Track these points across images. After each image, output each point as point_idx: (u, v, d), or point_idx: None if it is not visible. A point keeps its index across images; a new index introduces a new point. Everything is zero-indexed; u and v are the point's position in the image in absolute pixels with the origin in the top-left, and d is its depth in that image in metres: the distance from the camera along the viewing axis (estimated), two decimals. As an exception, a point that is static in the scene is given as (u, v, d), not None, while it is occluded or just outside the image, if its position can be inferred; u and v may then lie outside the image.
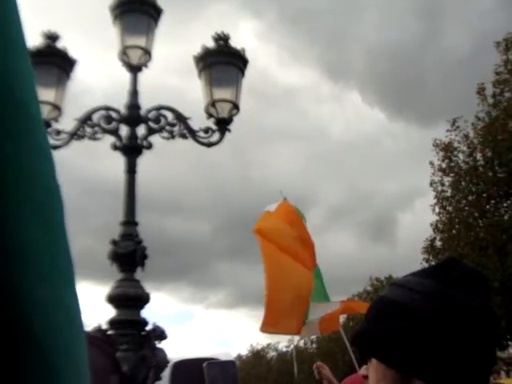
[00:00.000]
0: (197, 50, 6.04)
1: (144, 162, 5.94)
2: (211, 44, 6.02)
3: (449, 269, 1.25)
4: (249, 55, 6.16)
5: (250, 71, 6.22)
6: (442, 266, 1.29)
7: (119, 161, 5.85)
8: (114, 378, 1.38)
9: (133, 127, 5.90)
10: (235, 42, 6.07)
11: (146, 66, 6.23)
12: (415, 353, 1.18)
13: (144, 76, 6.26)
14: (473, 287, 1.22)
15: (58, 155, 6.09)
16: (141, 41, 6.17)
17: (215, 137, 6.00)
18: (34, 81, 0.64)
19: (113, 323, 5.28)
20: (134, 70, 6.15)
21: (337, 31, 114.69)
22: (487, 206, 21.92)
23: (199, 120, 6.11)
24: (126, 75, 6.15)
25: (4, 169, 0.58)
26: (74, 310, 0.64)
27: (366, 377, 1.32)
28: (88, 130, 5.95)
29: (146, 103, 6.08)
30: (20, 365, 0.57)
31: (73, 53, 6.19)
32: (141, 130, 5.92)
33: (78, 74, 6.37)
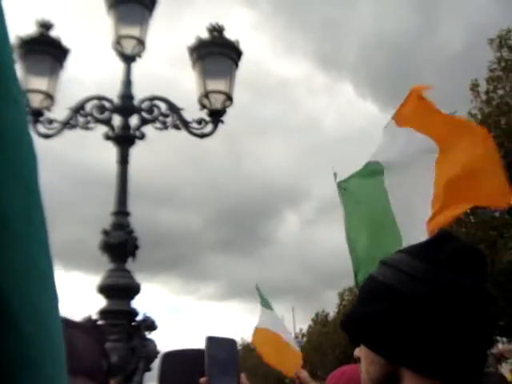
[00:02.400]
0: (190, 39, 6.02)
1: (136, 152, 5.92)
2: (205, 34, 5.99)
3: (439, 246, 1.19)
4: (242, 45, 6.13)
5: (243, 62, 6.19)
6: (432, 243, 1.22)
7: (111, 151, 5.83)
8: (104, 363, 1.37)
9: (126, 117, 5.87)
10: (229, 32, 6.05)
11: (139, 56, 6.20)
12: (401, 339, 1.13)
13: (137, 65, 6.23)
14: (464, 266, 1.15)
15: (49, 144, 6.05)
16: (135, 31, 6.14)
17: (208, 128, 5.98)
18: (6, 27, 0.57)
19: (103, 313, 5.27)
20: (128, 59, 6.12)
21: (331, 23, 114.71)
22: (478, 203, 21.96)
23: (192, 111, 6.10)
24: (120, 65, 6.13)
25: None
26: (47, 276, 0.60)
27: (359, 359, 1.30)
28: (80, 119, 5.92)
29: (138, 92, 6.06)
30: None
31: (66, 41, 6.15)
32: (134, 121, 5.90)
33: (71, 62, 6.34)
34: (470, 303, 1.12)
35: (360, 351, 1.28)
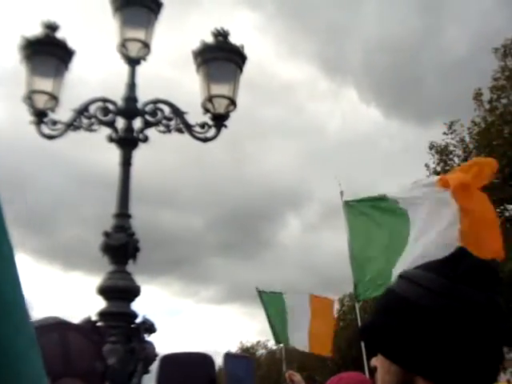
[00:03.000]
0: (194, 41, 6.04)
1: (139, 154, 5.94)
2: (210, 38, 6.01)
3: (456, 263, 1.23)
4: (246, 48, 6.13)
5: (247, 64, 6.20)
6: (449, 259, 1.26)
7: (114, 153, 5.85)
8: (99, 365, 1.38)
9: (129, 120, 5.90)
10: (232, 34, 6.06)
11: (144, 59, 6.22)
12: (417, 349, 1.17)
13: (142, 68, 6.25)
14: (479, 282, 1.19)
15: (53, 145, 6.08)
16: (140, 34, 6.16)
17: (211, 132, 6.00)
18: None
19: (102, 315, 5.28)
20: (133, 62, 6.14)
21: (335, 26, 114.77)
22: (481, 211, 21.87)
23: (196, 114, 6.11)
24: (124, 67, 6.15)
25: None
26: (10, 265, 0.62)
27: (375, 368, 1.33)
28: (84, 121, 5.94)
29: (142, 95, 6.08)
30: None
31: (71, 43, 6.18)
32: (137, 123, 5.92)
33: (76, 64, 6.36)
34: (483, 317, 1.16)
35: (377, 360, 1.31)
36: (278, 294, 12.02)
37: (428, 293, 1.20)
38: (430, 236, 5.90)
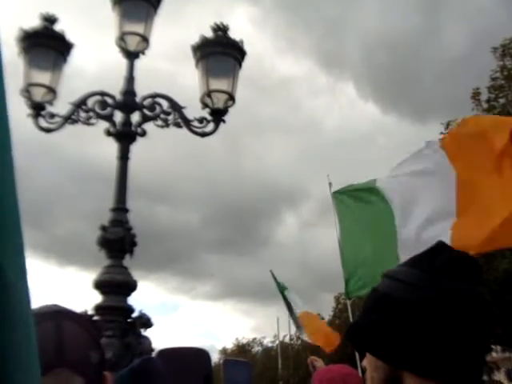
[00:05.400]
0: (192, 35, 6.03)
1: (137, 148, 5.93)
2: (207, 32, 6.00)
3: (434, 256, 1.24)
4: (244, 42, 6.12)
5: (245, 59, 6.19)
6: (428, 253, 1.28)
7: (112, 147, 5.83)
8: (95, 355, 1.37)
9: (127, 114, 5.88)
10: (231, 29, 6.05)
11: (143, 53, 6.20)
12: (401, 344, 1.17)
13: (140, 61, 6.23)
14: (458, 273, 1.20)
15: (50, 139, 6.06)
16: (139, 27, 6.14)
17: (210, 127, 5.99)
18: None
19: (99, 309, 5.27)
20: (131, 56, 6.13)
21: (334, 20, 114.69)
22: (477, 210, 21.88)
23: (194, 109, 6.10)
24: (123, 61, 6.13)
25: None
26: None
27: (365, 369, 1.33)
28: (82, 114, 5.93)
29: (141, 89, 6.07)
30: None
31: (70, 36, 6.16)
32: (135, 117, 5.91)
33: (74, 57, 6.34)
34: (462, 307, 1.16)
35: (366, 360, 1.31)
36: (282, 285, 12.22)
37: (408, 287, 1.20)
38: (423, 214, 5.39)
